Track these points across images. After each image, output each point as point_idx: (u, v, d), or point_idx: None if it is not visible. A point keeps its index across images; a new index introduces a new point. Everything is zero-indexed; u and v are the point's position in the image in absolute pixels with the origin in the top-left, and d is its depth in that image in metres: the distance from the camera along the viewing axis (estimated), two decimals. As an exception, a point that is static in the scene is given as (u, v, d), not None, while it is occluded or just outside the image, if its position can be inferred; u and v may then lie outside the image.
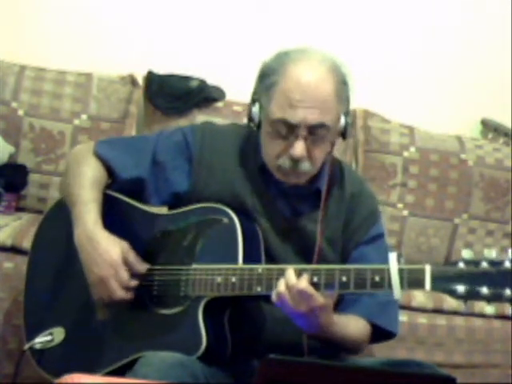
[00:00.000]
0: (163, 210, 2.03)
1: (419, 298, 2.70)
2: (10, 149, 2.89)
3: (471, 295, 1.65)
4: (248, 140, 2.01)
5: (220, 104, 3.11)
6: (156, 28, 3.26)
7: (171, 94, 3.07)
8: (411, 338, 2.67)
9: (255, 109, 1.91)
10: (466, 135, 3.28)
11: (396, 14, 3.38)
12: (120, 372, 1.84)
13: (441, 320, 2.71)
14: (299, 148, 1.84)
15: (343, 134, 1.93)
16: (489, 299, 1.64)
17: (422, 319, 2.70)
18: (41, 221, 2.10)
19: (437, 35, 3.40)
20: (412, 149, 3.10)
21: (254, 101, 1.92)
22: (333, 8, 3.33)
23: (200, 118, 3.02)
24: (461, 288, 1.65)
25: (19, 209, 2.90)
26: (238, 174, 1.97)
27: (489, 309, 1.66)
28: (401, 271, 1.70)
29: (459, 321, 2.70)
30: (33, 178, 2.92)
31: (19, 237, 2.53)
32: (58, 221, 2.03)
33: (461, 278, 1.65)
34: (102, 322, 1.92)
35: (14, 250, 2.49)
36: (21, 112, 2.93)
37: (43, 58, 3.08)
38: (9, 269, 2.47)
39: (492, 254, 1.65)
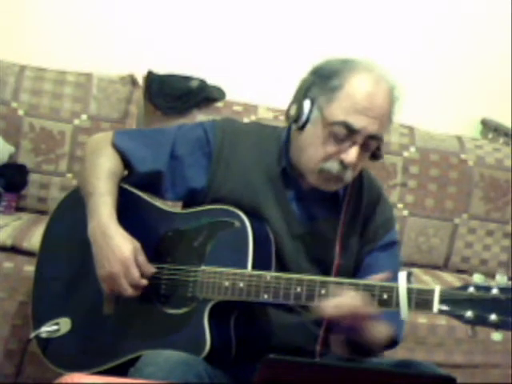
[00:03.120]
0: (177, 208, 2.03)
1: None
2: (10, 149, 2.89)
3: (479, 321, 1.62)
4: (271, 141, 1.98)
5: (220, 104, 3.10)
6: (156, 28, 3.26)
7: (171, 94, 3.07)
8: (411, 338, 2.67)
9: (306, 107, 1.85)
10: (466, 135, 3.28)
11: (396, 14, 3.38)
12: (122, 368, 1.84)
13: (441, 320, 2.71)
14: (354, 154, 1.82)
15: (376, 156, 1.91)
16: (497, 326, 1.62)
17: (422, 319, 2.70)
18: (53, 210, 2.10)
19: (437, 35, 3.41)
20: (412, 149, 3.11)
21: (303, 99, 1.86)
22: (333, 8, 3.33)
23: (200, 118, 3.01)
24: (469, 313, 1.63)
25: (19, 209, 2.89)
26: (257, 175, 1.95)
27: (496, 335, 1.63)
28: (409, 291, 1.68)
29: (459, 321, 2.70)
30: (33, 177, 2.92)
31: (19, 237, 2.53)
32: (71, 211, 2.03)
33: (470, 302, 1.63)
34: (108, 316, 1.92)
35: (14, 250, 2.49)
36: (21, 112, 2.93)
37: (43, 58, 3.08)
38: (9, 269, 2.47)
39: (504, 280, 1.63)
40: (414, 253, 3.06)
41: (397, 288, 1.69)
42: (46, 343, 1.98)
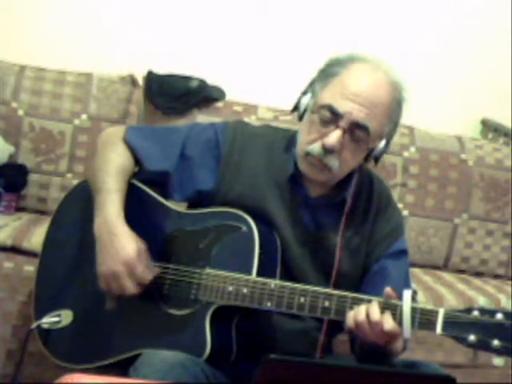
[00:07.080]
0: (184, 208, 2.02)
1: (419, 298, 2.69)
2: (10, 149, 2.89)
3: (481, 345, 1.60)
4: (282, 145, 1.97)
5: (220, 104, 3.10)
6: (156, 28, 3.26)
7: (171, 94, 3.07)
8: (411, 338, 2.65)
9: (305, 98, 1.88)
10: (466, 135, 3.28)
11: (396, 15, 3.38)
12: (123, 364, 1.83)
13: (441, 320, 2.70)
14: (334, 137, 1.80)
15: (377, 158, 1.89)
16: (499, 352, 1.60)
17: (422, 319, 2.69)
18: (62, 199, 2.09)
19: (437, 35, 3.40)
20: (412, 149, 3.10)
21: (306, 91, 1.90)
22: (333, 9, 3.33)
23: (200, 118, 3.01)
24: (472, 337, 1.60)
25: (19, 209, 2.89)
26: (266, 180, 1.94)
27: (498, 360, 1.61)
28: (413, 310, 1.66)
29: (459, 321, 2.69)
30: (33, 178, 2.91)
31: (19, 237, 2.52)
32: (78, 205, 2.02)
33: (473, 326, 1.60)
34: (110, 311, 1.92)
35: (14, 249, 2.48)
36: (21, 112, 2.93)
37: (43, 57, 3.08)
38: (9, 269, 2.46)
39: (509, 304, 1.62)
40: (414, 253, 3.06)
41: (401, 306, 1.67)
42: (46, 334, 1.97)
